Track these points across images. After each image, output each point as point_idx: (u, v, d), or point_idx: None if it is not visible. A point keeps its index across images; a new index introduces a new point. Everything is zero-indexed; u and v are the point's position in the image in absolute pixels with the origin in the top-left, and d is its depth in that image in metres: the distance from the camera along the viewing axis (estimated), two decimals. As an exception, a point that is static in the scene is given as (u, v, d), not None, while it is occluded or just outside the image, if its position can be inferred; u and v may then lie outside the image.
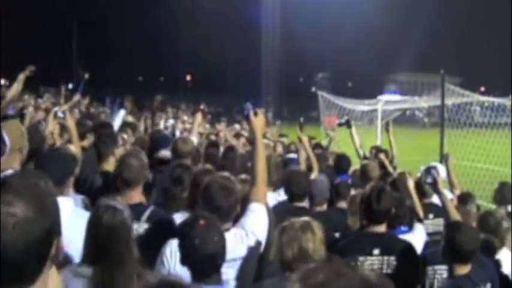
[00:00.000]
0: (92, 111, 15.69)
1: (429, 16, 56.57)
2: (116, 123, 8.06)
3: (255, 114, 3.73)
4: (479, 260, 3.92)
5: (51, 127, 5.77)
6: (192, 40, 55.67)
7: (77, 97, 11.14)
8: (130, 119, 10.62)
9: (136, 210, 3.57)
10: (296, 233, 3.04)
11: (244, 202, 3.53)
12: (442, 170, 5.36)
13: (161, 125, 12.54)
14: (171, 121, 13.01)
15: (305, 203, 4.99)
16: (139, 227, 3.57)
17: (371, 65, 57.30)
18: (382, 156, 7.57)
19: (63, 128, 5.85)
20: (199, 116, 7.53)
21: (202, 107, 9.98)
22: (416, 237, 4.62)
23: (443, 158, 7.10)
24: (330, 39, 57.82)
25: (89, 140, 6.28)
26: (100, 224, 2.78)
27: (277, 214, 4.03)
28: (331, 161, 8.01)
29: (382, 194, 4.02)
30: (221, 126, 14.17)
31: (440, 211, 5.17)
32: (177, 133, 9.48)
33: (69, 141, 5.47)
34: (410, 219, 4.99)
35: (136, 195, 3.77)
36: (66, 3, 53.07)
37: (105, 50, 56.30)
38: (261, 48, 58.49)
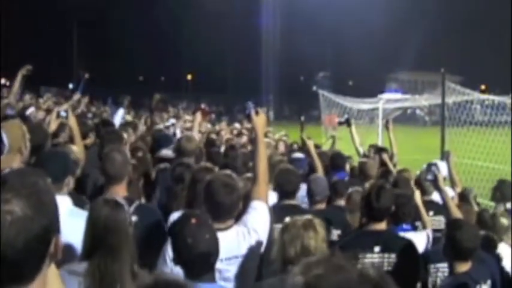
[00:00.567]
0: (92, 110, 15.72)
1: (429, 15, 56.63)
2: (116, 122, 8.09)
3: (257, 113, 3.74)
4: (480, 256, 3.93)
5: (53, 126, 5.78)
6: (193, 40, 55.74)
7: (77, 96, 11.17)
8: (129, 118, 10.65)
9: None
10: (298, 231, 3.03)
11: (246, 200, 3.53)
12: (443, 167, 5.37)
13: (161, 124, 12.54)
14: (172, 120, 13.00)
15: (296, 201, 4.98)
16: None
17: (372, 64, 57.26)
18: (384, 154, 7.58)
19: (62, 127, 5.85)
20: (199, 115, 7.60)
21: (203, 106, 10.02)
22: (418, 236, 4.63)
23: (444, 156, 7.10)
24: (330, 38, 57.91)
25: (91, 139, 6.31)
26: (99, 216, 2.80)
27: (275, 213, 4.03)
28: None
29: (382, 191, 4.02)
30: (222, 126, 14.19)
31: (440, 208, 5.18)
32: (177, 132, 9.48)
33: (71, 139, 5.48)
34: (414, 218, 5.01)
35: (121, 190, 3.79)
36: (66, 3, 53.08)
37: (105, 50, 56.36)
38: (261, 47, 58.62)
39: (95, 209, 2.87)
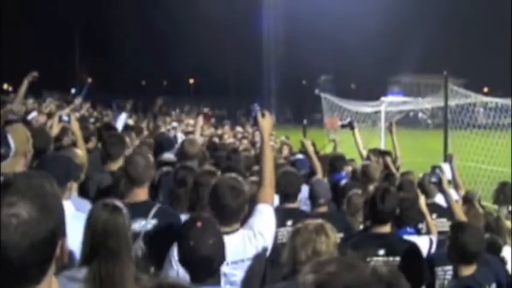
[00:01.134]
0: (94, 114, 15.76)
1: (432, 18, 56.55)
2: (118, 126, 8.10)
3: (263, 115, 3.73)
4: (485, 259, 3.92)
5: (56, 130, 5.78)
6: (195, 44, 55.78)
7: (78, 100, 11.19)
8: (131, 122, 10.67)
9: (143, 208, 3.60)
10: (310, 235, 3.02)
11: (251, 203, 3.52)
12: (447, 169, 5.35)
13: (163, 128, 12.56)
14: (174, 124, 13.02)
15: (297, 204, 4.96)
16: (147, 224, 3.57)
17: (374, 67, 57.24)
18: (387, 158, 7.57)
19: (64, 131, 5.86)
20: (200, 119, 7.67)
21: (206, 110, 10.08)
22: (421, 240, 4.61)
23: (448, 158, 7.08)
24: (332, 42, 57.82)
25: (93, 142, 6.32)
26: (98, 220, 2.78)
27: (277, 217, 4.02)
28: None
29: (387, 194, 4.01)
30: (225, 129, 14.21)
31: (443, 211, 5.17)
32: (179, 136, 9.49)
33: (74, 143, 5.49)
34: (417, 221, 4.99)
35: (142, 194, 3.75)
36: (69, 8, 53.26)
37: (107, 54, 56.47)
38: (264, 51, 58.66)
39: (94, 213, 2.84)
